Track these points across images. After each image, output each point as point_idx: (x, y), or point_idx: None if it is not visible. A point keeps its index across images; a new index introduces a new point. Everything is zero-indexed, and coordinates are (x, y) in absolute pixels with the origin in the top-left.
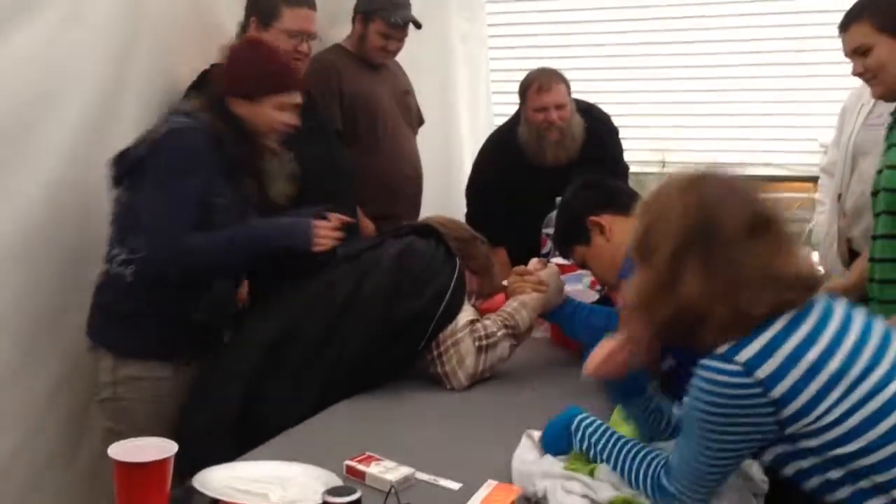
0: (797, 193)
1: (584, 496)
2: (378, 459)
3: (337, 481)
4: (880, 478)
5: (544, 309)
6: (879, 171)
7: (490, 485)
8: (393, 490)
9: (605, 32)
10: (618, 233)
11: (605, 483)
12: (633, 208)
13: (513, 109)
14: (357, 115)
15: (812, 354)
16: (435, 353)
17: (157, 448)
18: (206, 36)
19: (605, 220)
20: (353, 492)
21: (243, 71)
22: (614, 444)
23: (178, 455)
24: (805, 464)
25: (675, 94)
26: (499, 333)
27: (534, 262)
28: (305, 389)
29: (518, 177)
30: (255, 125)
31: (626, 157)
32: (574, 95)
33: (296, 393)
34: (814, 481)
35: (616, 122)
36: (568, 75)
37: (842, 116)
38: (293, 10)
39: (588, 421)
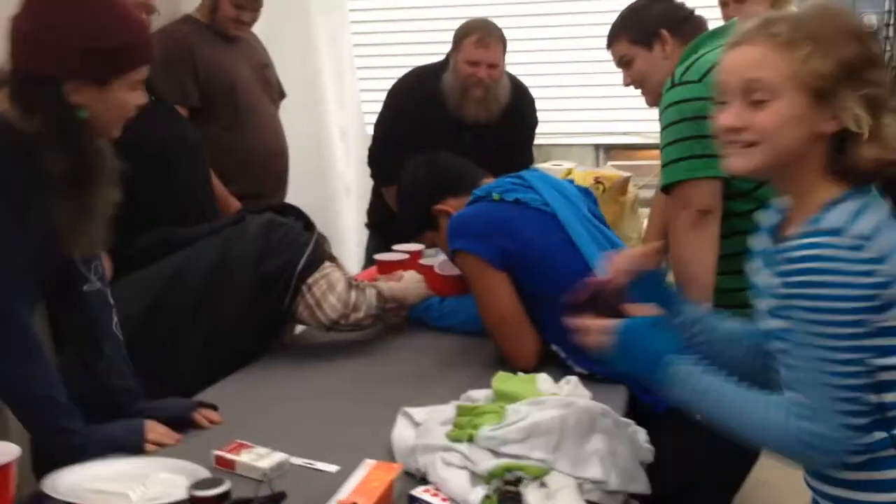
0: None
1: (464, 468)
2: (249, 447)
3: (204, 473)
4: None
5: (405, 293)
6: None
7: (368, 464)
8: (266, 478)
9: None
10: None
11: (485, 451)
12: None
13: (375, 85)
14: (214, 90)
15: None
16: (304, 288)
17: None
18: None
19: (450, 204)
20: (221, 483)
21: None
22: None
23: (35, 452)
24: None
25: (551, 65)
26: (365, 282)
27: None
28: (180, 366)
29: (433, 127)
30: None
31: None
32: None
33: (169, 371)
34: None
35: None
36: (431, 49)
37: None
38: None
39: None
